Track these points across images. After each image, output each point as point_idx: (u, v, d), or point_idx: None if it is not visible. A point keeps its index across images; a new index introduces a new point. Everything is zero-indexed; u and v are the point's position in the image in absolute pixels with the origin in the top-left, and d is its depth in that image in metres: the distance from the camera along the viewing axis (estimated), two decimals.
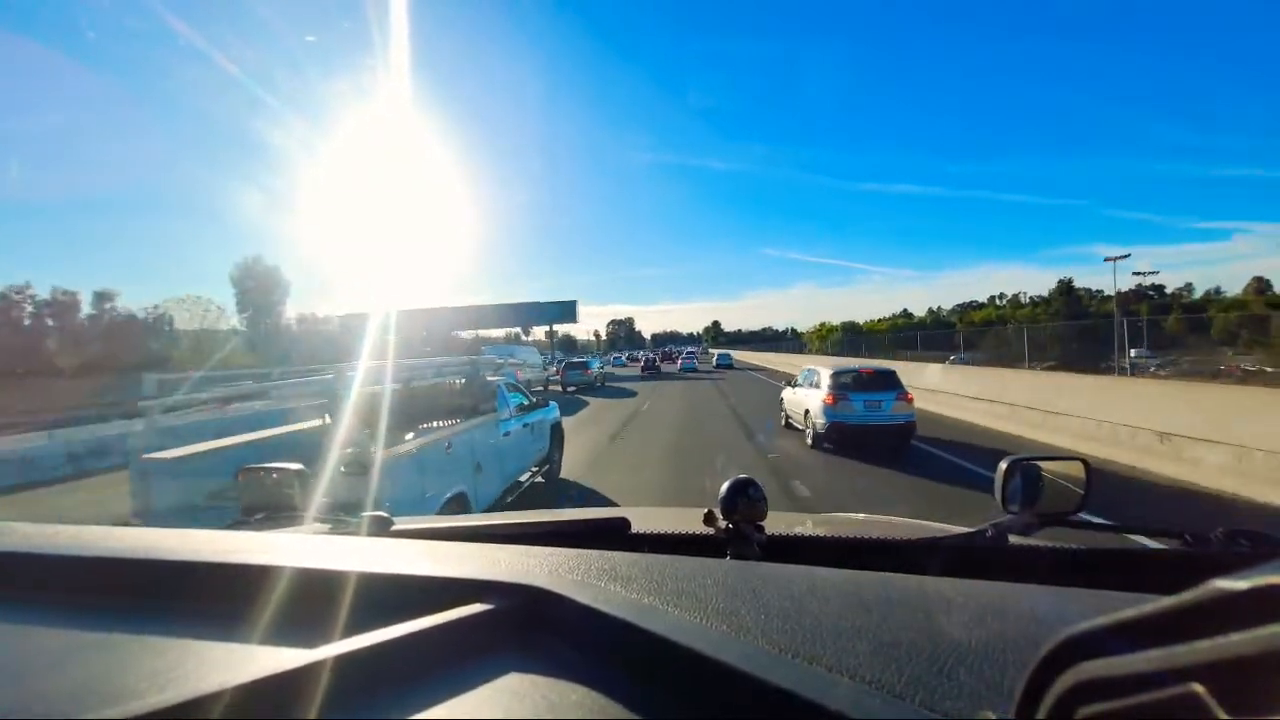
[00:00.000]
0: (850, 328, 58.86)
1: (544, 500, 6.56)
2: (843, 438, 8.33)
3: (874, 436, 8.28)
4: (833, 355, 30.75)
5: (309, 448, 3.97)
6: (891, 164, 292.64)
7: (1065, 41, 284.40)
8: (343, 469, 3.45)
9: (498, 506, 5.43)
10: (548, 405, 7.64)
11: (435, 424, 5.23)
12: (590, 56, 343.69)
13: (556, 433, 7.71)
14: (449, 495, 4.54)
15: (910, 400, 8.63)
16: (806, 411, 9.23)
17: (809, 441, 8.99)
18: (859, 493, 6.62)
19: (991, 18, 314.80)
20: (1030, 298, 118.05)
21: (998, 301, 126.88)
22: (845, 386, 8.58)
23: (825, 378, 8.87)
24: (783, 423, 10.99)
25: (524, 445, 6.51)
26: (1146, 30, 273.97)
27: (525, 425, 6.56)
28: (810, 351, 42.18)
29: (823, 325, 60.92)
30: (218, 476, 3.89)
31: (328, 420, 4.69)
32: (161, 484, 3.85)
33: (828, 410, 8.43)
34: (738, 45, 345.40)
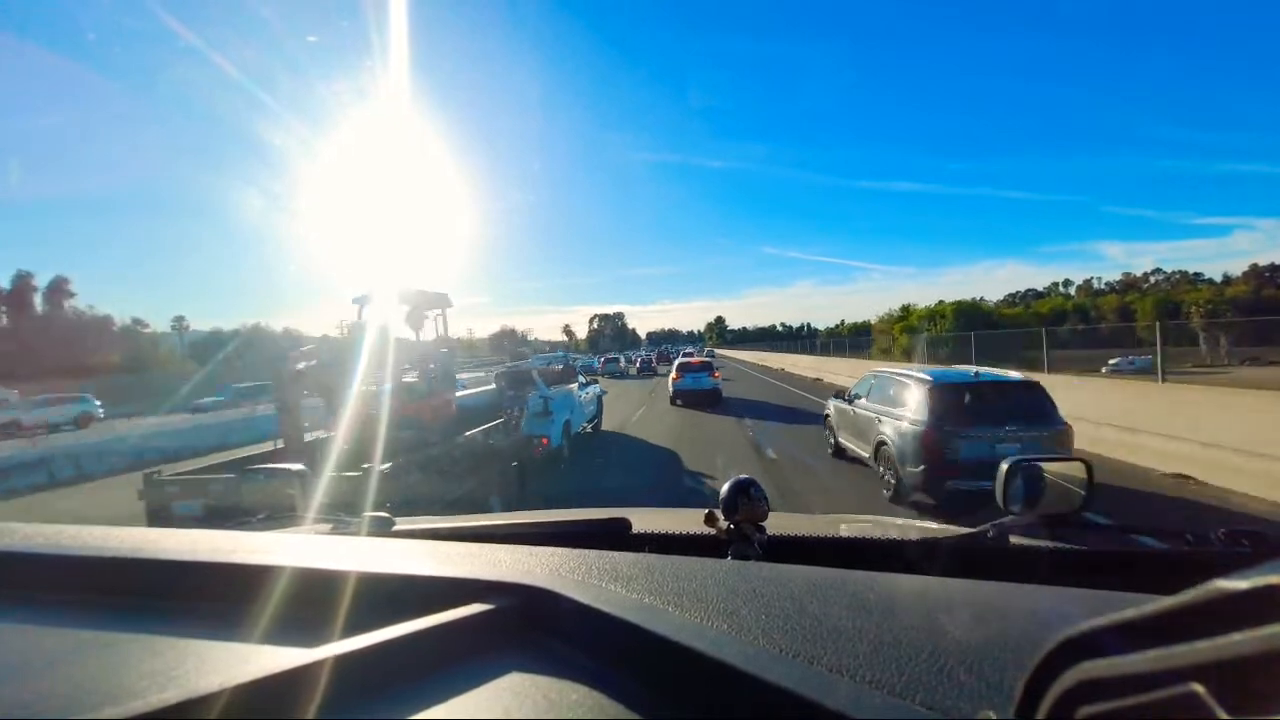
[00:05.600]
0: (969, 311, 30.81)
1: (593, 440, 10.79)
2: (683, 397, 15.75)
3: (698, 396, 15.58)
4: (912, 361, 20.71)
5: (500, 400, 8.53)
6: (891, 162, 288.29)
7: (1064, 39, 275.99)
8: (537, 413, 7.73)
9: (574, 440, 9.31)
10: (596, 383, 12.65)
11: (560, 386, 9.53)
12: (588, 56, 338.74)
13: (600, 402, 12.19)
14: (564, 420, 8.57)
15: (718, 376, 16.29)
16: (669, 386, 16.57)
17: (669, 400, 16.22)
18: (681, 410, 14.90)
19: (990, 15, 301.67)
20: (1107, 283, 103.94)
21: (1061, 289, 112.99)
22: (682, 370, 16.21)
23: (674, 368, 16.73)
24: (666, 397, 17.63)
25: (587, 405, 10.86)
26: (1147, 27, 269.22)
27: (586, 393, 10.89)
28: (886, 353, 28.66)
29: (909, 310, 35.53)
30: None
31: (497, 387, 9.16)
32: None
33: (674, 383, 16.03)
34: (736, 44, 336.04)
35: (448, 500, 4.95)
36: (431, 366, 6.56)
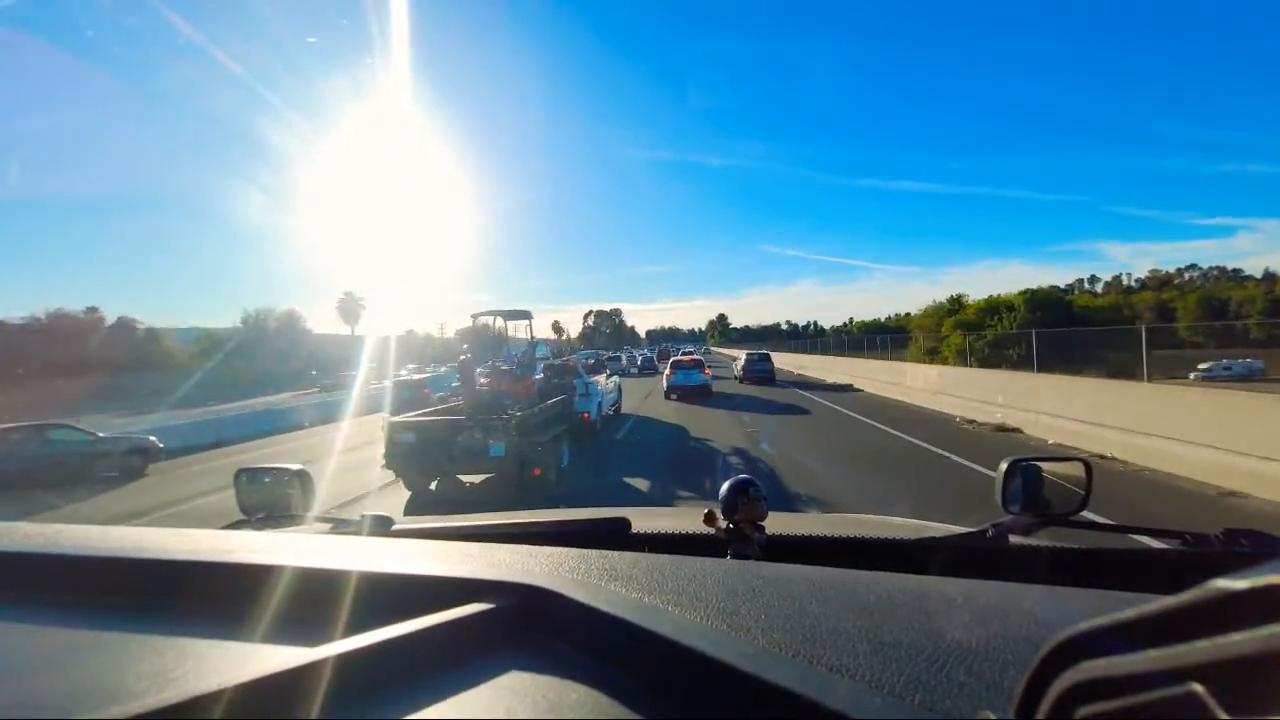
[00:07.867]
0: (1045, 302, 23.83)
1: (616, 419, 14.09)
2: (676, 391, 18.73)
3: (689, 390, 18.56)
4: (969, 365, 16.60)
5: (548, 386, 10.43)
6: (892, 160, 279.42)
7: (1067, 37, 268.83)
8: (581, 395, 10.98)
9: (603, 418, 12.36)
10: (616, 376, 16.53)
11: (595, 376, 12.98)
12: (589, 54, 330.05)
13: (620, 390, 15.62)
14: (597, 401, 11.62)
15: (708, 373, 19.58)
16: (664, 382, 20.19)
17: (663, 395, 19.14)
18: (672, 401, 17.86)
19: (992, 13, 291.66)
20: (1138, 280, 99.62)
21: (1087, 285, 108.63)
22: (676, 368, 19.53)
23: (668, 367, 20.33)
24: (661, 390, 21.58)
25: (611, 393, 13.98)
26: (1150, 25, 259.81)
27: (610, 383, 14.18)
28: (932, 354, 22.16)
29: (961, 302, 28.37)
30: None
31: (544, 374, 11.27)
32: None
33: (669, 379, 19.23)
34: (736, 43, 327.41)
35: (539, 442, 7.23)
36: (519, 359, 9.79)
